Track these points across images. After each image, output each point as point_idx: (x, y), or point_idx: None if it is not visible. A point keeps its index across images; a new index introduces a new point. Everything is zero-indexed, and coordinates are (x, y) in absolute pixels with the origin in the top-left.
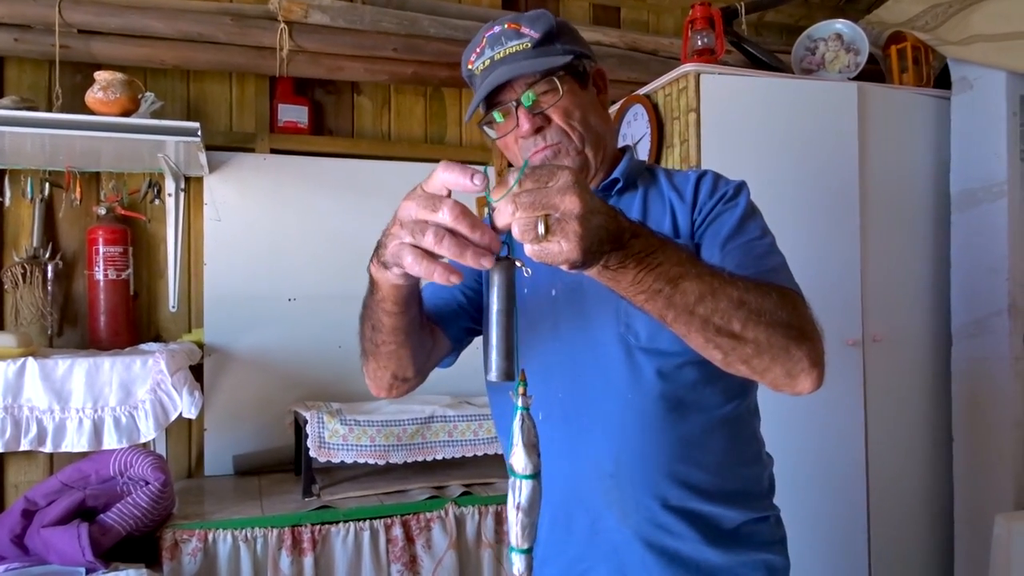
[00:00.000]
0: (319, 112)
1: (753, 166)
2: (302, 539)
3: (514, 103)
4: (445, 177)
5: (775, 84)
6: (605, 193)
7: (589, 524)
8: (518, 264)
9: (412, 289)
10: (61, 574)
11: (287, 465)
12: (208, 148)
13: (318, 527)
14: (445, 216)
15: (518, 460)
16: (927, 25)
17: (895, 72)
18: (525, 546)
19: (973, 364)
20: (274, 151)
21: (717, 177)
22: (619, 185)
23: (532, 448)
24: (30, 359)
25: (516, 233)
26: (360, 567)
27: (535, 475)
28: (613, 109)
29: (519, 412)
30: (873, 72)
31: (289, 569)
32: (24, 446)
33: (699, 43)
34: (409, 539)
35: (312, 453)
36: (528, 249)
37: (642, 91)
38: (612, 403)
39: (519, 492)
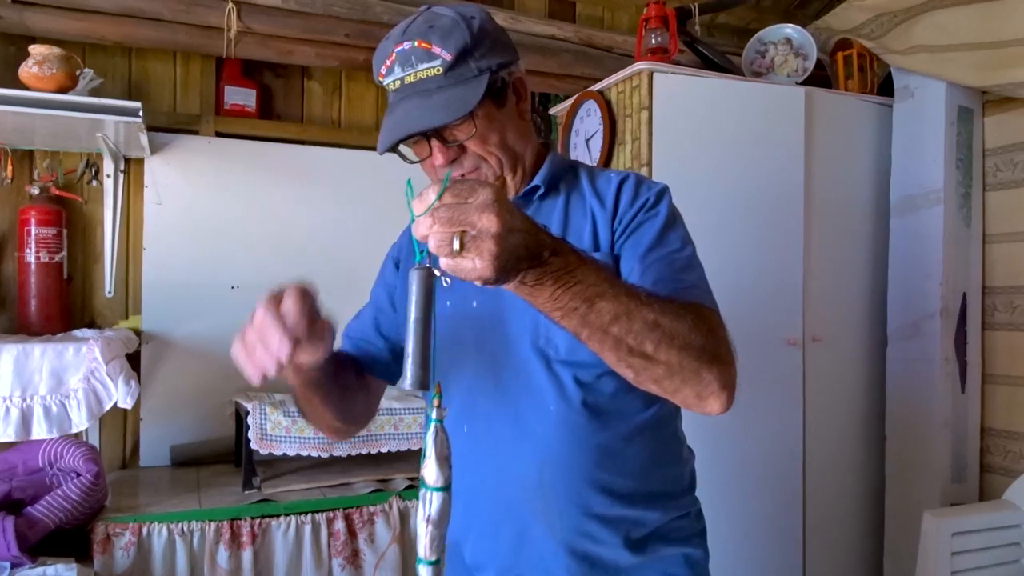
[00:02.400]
0: (267, 96)
1: (702, 165)
2: (241, 533)
3: (427, 134)
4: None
5: (726, 85)
6: (526, 199)
7: (516, 534)
8: (436, 273)
9: (311, 374)
10: None
11: (227, 456)
12: (150, 129)
13: (258, 520)
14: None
15: (430, 472)
16: (872, 33)
17: (841, 78)
18: (433, 558)
19: (907, 365)
20: (219, 134)
21: (639, 182)
22: (540, 191)
23: (444, 460)
24: None
25: (432, 247)
26: (301, 561)
27: (446, 487)
28: (566, 104)
29: (433, 424)
30: (820, 77)
31: (227, 563)
32: None
33: (653, 42)
34: (352, 533)
35: (253, 445)
36: (443, 263)
37: (596, 87)
38: (534, 415)
39: (430, 504)
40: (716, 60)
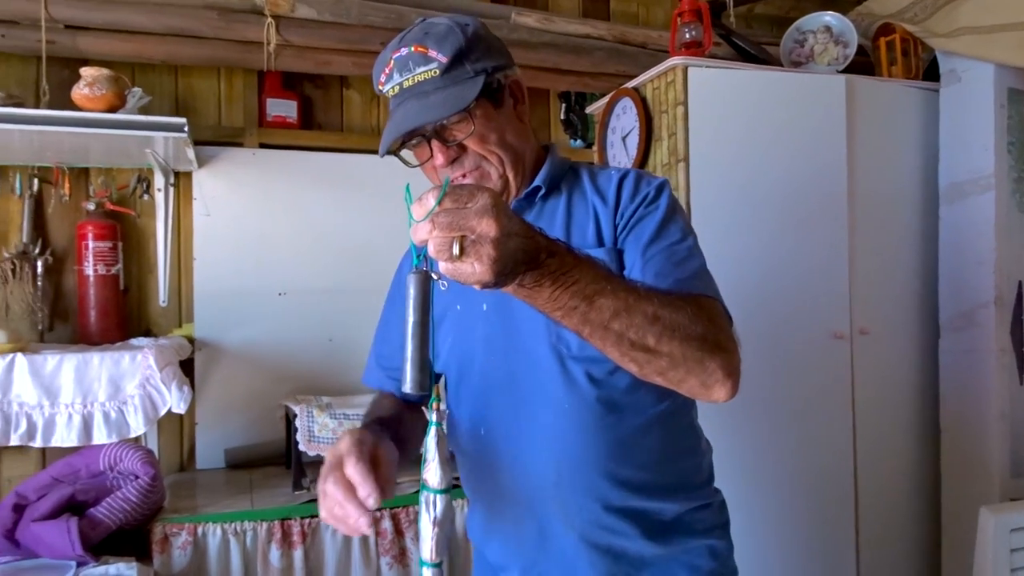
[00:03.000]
0: (308, 106)
1: (740, 159)
2: (292, 532)
3: (426, 135)
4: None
5: (763, 77)
6: (528, 201)
7: (537, 532)
8: (434, 277)
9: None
10: (52, 568)
11: (278, 459)
12: (196, 143)
13: (307, 520)
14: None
15: (433, 475)
16: (916, 17)
17: (884, 64)
18: (439, 560)
19: (960, 356)
20: (263, 146)
21: (639, 178)
22: (542, 192)
23: (446, 463)
24: (19, 355)
25: (431, 251)
26: (349, 560)
27: (448, 489)
28: (602, 103)
29: (433, 427)
30: (862, 64)
31: (279, 562)
32: (14, 441)
33: (687, 36)
34: (398, 532)
35: (301, 447)
36: (442, 267)
37: (631, 84)
38: (549, 412)
39: (435, 507)
40: (752, 52)
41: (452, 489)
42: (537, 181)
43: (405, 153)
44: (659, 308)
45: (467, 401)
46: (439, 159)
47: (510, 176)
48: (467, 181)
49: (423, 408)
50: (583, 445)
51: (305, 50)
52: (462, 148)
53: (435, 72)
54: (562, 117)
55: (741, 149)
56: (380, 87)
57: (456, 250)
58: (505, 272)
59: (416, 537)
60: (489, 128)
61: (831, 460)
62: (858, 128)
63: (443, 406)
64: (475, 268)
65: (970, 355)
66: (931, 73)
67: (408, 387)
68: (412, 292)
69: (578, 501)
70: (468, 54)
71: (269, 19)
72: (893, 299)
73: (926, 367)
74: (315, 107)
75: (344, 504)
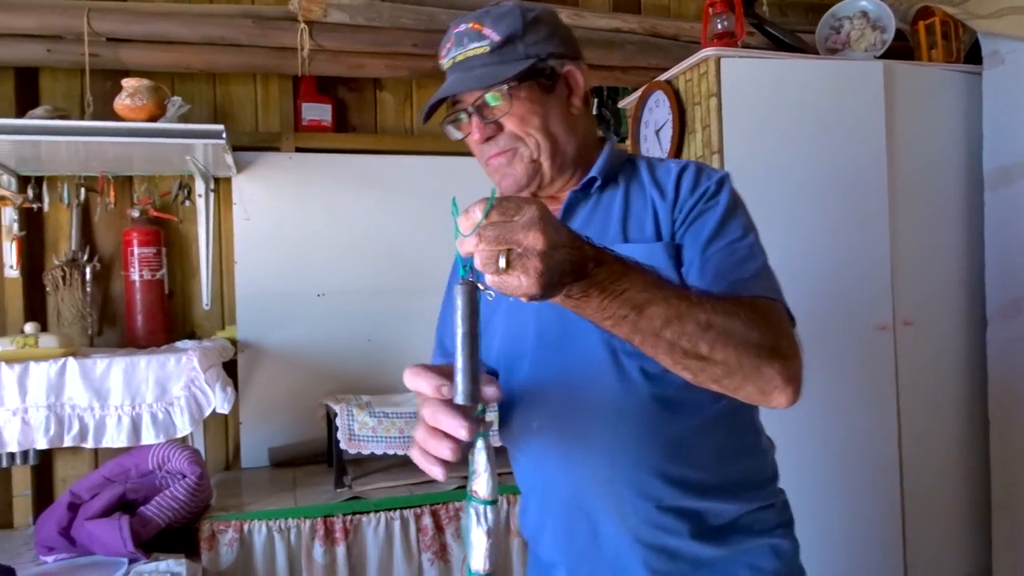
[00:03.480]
0: (342, 109)
1: (776, 149)
2: (334, 529)
3: (470, 109)
4: (410, 384)
5: (797, 65)
6: (584, 192)
7: (589, 530)
8: (481, 287)
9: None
10: (105, 565)
11: (320, 457)
12: (235, 149)
13: (350, 517)
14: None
15: (482, 486)
16: None
17: (923, 48)
18: (489, 570)
19: (1009, 345)
20: (299, 149)
21: (699, 171)
22: (597, 183)
23: (495, 475)
24: (70, 359)
25: (477, 264)
26: (392, 556)
27: (497, 500)
28: (634, 97)
29: (480, 439)
30: (901, 49)
31: (322, 559)
32: (67, 442)
33: (719, 27)
34: (439, 528)
35: (342, 445)
36: (488, 280)
37: (663, 77)
38: (603, 408)
39: (486, 519)
40: (787, 40)
41: (497, 501)
42: (593, 172)
43: (450, 129)
44: (712, 315)
45: (519, 394)
46: (475, 134)
47: (544, 162)
48: (500, 160)
49: None
50: (637, 443)
51: (338, 54)
52: (500, 128)
53: (485, 49)
54: (595, 112)
55: (777, 140)
56: (440, 60)
57: (502, 263)
58: (552, 284)
59: (458, 534)
60: (531, 111)
61: (876, 453)
62: (898, 115)
63: (489, 417)
64: (522, 281)
65: (1019, 343)
66: (973, 56)
67: (460, 398)
68: (460, 303)
69: (631, 500)
70: (523, 36)
71: (303, 25)
72: (937, 288)
73: (973, 357)
74: (349, 110)
75: (446, 415)
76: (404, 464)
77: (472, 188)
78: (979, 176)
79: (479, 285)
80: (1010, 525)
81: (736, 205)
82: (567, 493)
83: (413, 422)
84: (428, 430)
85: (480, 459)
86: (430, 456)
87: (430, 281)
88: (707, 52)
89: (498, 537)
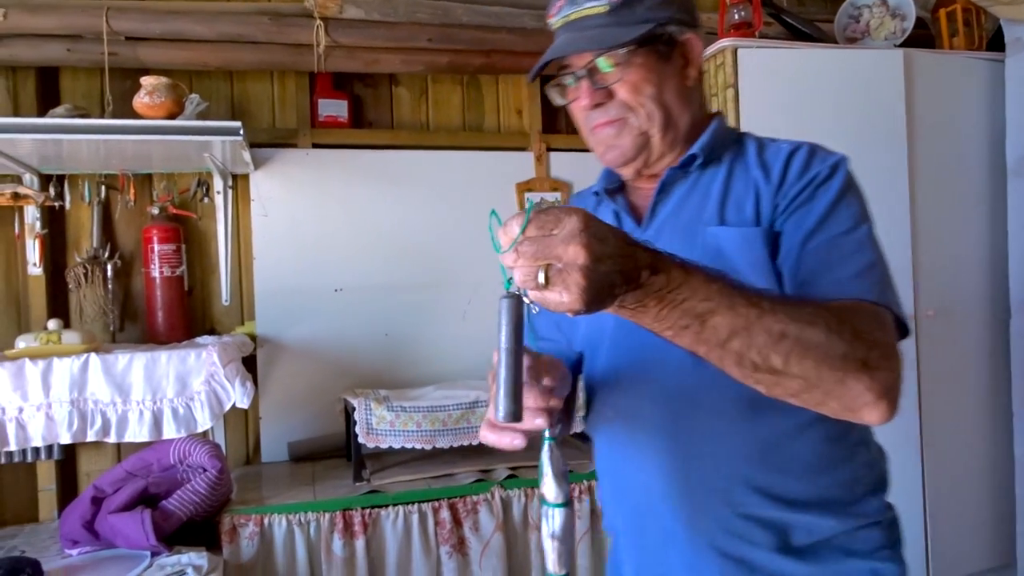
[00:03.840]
0: (358, 105)
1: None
2: (353, 523)
3: (580, 73)
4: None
5: (816, 55)
6: (683, 170)
7: (660, 530)
8: (526, 301)
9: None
10: (128, 557)
11: (339, 451)
12: (252, 145)
13: (368, 511)
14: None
15: (549, 490)
16: None
17: (945, 36)
18: (563, 572)
19: None
20: (316, 145)
21: (812, 153)
22: (698, 161)
23: (562, 477)
24: (92, 355)
25: (517, 280)
26: (410, 549)
27: (567, 503)
28: None
29: (547, 442)
30: (922, 37)
31: (342, 552)
32: (90, 437)
33: (736, 17)
34: (457, 522)
35: (361, 439)
36: (531, 295)
37: None
38: (681, 405)
39: (553, 520)
40: (805, 30)
41: (570, 503)
42: (694, 149)
43: (552, 92)
44: (787, 323)
45: (598, 378)
46: (583, 100)
47: (655, 135)
48: (608, 131)
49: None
50: (717, 442)
51: (354, 50)
52: (610, 95)
53: (604, 8)
54: None
55: (795, 130)
56: (550, 19)
57: (542, 279)
58: (598, 298)
59: (476, 528)
60: (646, 80)
61: (897, 446)
62: (919, 104)
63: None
64: (563, 297)
65: None
66: (996, 43)
67: (501, 416)
68: (504, 318)
69: (707, 503)
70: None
71: (318, 21)
72: (960, 280)
73: (996, 348)
74: (365, 106)
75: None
76: (422, 458)
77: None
78: (1002, 165)
79: (524, 298)
80: None
81: (849, 193)
82: (639, 489)
83: (430, 416)
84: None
85: (546, 461)
86: (509, 436)
87: (447, 276)
88: (724, 43)
89: (570, 541)
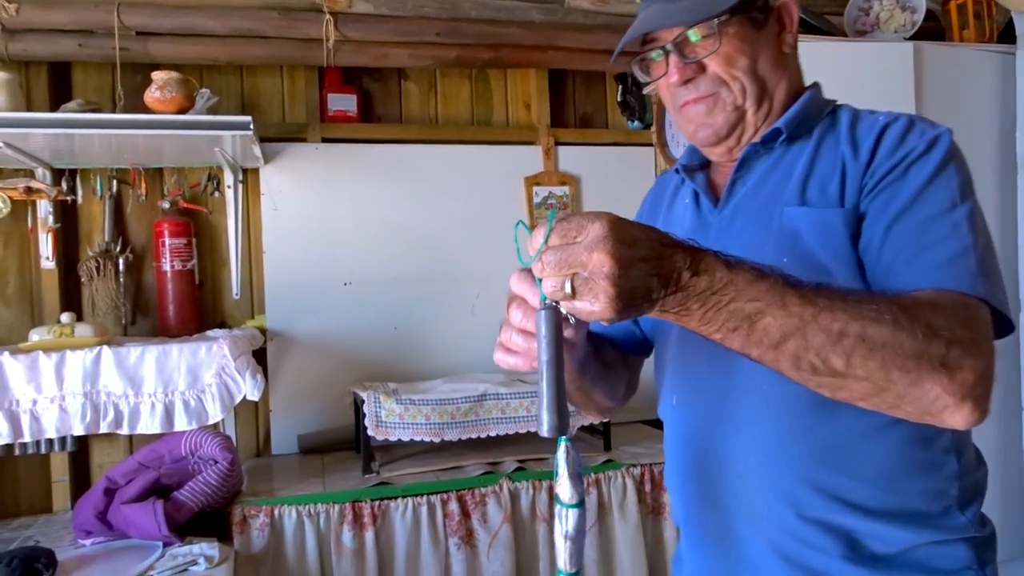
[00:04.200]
0: (367, 100)
1: None
2: (363, 514)
3: (668, 47)
4: (515, 287)
5: (825, 48)
6: (766, 146)
7: (718, 527)
8: (564, 311)
9: (579, 354)
10: (141, 548)
11: (349, 443)
12: (262, 140)
13: (377, 503)
14: (512, 318)
15: (564, 490)
16: None
17: (955, 29)
18: (573, 571)
19: None
20: (325, 140)
21: (909, 126)
22: (783, 136)
23: (576, 478)
24: (105, 347)
25: (546, 291)
26: (419, 541)
27: (580, 504)
28: None
29: (563, 443)
30: (932, 30)
31: (351, 543)
32: (103, 429)
33: None
34: (465, 514)
35: (370, 432)
36: (562, 305)
37: None
38: (747, 395)
39: (566, 521)
40: (814, 22)
41: (583, 503)
42: (779, 123)
43: (637, 70)
44: (848, 321)
45: (665, 366)
46: (673, 76)
47: (749, 109)
48: (698, 108)
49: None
50: (781, 440)
51: (363, 44)
52: (701, 69)
53: None
54: (619, 99)
55: None
56: None
57: (568, 289)
58: (631, 305)
59: (484, 520)
60: (740, 51)
61: None
62: (929, 97)
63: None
64: (593, 307)
65: None
66: (1007, 36)
67: (546, 431)
68: (543, 329)
69: (768, 503)
70: None
71: (328, 16)
72: None
73: (1005, 344)
74: (374, 100)
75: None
76: (431, 450)
77: (495, 177)
78: (1012, 158)
79: (562, 309)
80: None
81: (947, 168)
82: (700, 482)
83: (439, 409)
84: (517, 334)
85: (561, 462)
86: (526, 357)
87: (455, 270)
88: None
89: (582, 541)
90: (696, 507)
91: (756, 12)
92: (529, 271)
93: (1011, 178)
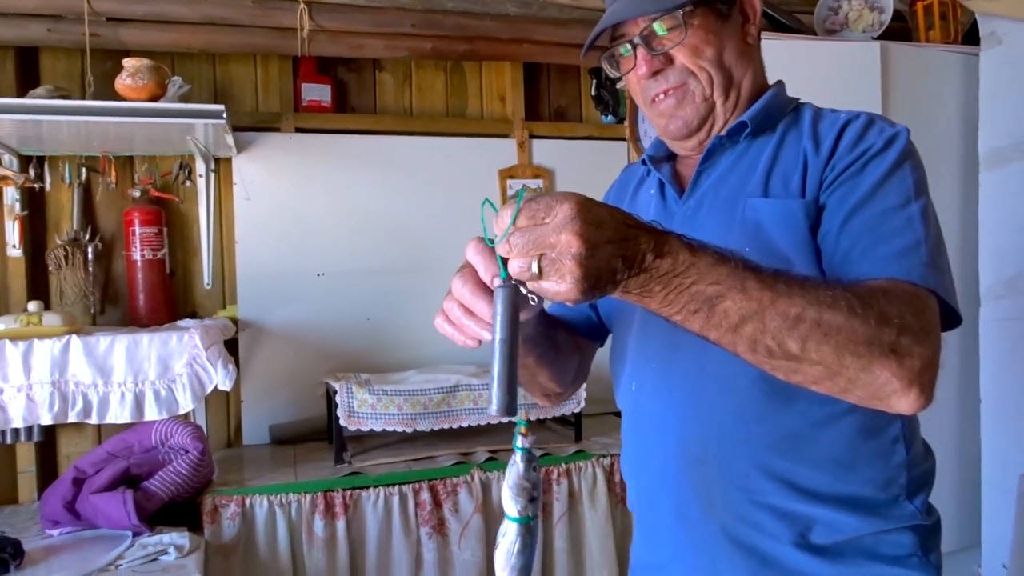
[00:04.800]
0: (342, 90)
1: None
2: (334, 504)
3: (635, 40)
4: (470, 254)
5: (795, 46)
6: (731, 139)
7: (675, 509)
8: (523, 290)
9: (526, 332)
10: (110, 537)
11: (321, 434)
12: (235, 129)
13: (349, 492)
14: (454, 286)
15: (508, 504)
16: None
17: (921, 29)
18: None
19: (1001, 325)
20: (299, 130)
21: (869, 124)
22: (748, 129)
23: (524, 491)
24: (74, 336)
25: (512, 272)
26: (391, 530)
27: (527, 519)
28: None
29: (518, 452)
30: (899, 30)
31: (323, 532)
32: (71, 418)
33: None
34: (437, 503)
35: (342, 422)
36: (528, 285)
37: None
38: (706, 382)
39: (515, 535)
40: (785, 21)
41: (527, 521)
42: (744, 117)
43: (607, 65)
44: (805, 307)
45: (625, 354)
46: (642, 68)
47: (717, 100)
48: (668, 101)
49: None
50: (737, 426)
51: (338, 34)
52: (669, 60)
53: None
54: (593, 93)
55: None
56: None
57: (535, 269)
58: (596, 286)
59: (456, 509)
60: (706, 41)
61: None
62: (894, 95)
63: (529, 432)
64: (559, 287)
65: (1011, 323)
66: (971, 37)
67: (495, 410)
68: (499, 307)
69: (723, 488)
70: None
71: (302, 5)
72: None
73: (966, 337)
74: (349, 91)
75: (475, 295)
76: (403, 441)
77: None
78: (975, 157)
79: (520, 288)
80: (999, 501)
81: (904, 166)
82: (657, 468)
83: (411, 399)
84: (458, 305)
85: (510, 473)
86: (465, 330)
87: (429, 261)
88: None
89: (529, 556)
90: (652, 493)
91: (720, 3)
92: (489, 244)
93: (973, 176)
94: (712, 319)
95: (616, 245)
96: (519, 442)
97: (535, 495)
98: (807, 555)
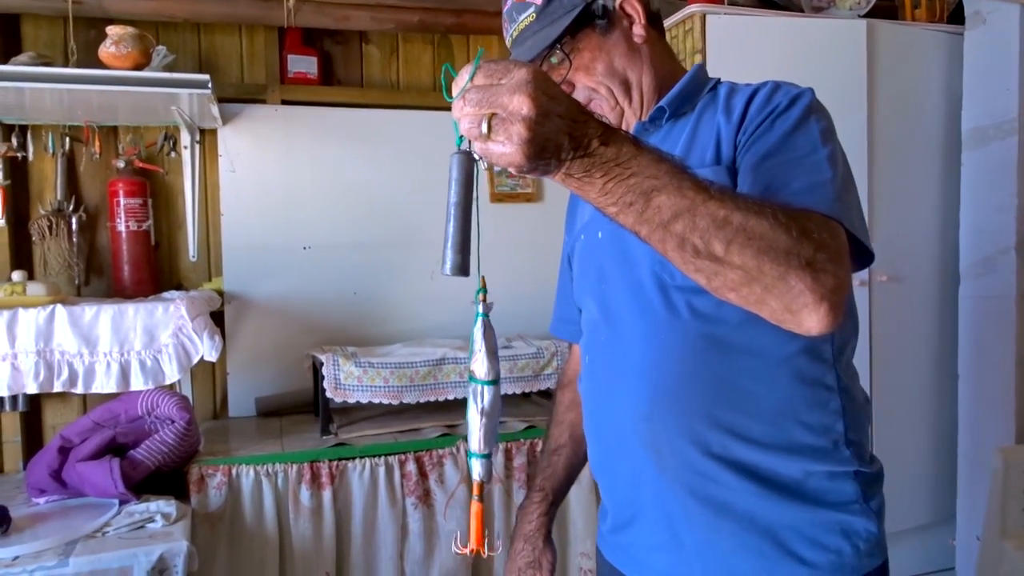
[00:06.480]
0: (328, 62)
1: None
2: (321, 474)
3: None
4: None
5: (783, 23)
6: (653, 124)
7: (630, 468)
8: (476, 157)
9: None
10: (96, 505)
11: (307, 406)
12: (220, 100)
13: (335, 463)
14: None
15: (480, 366)
16: None
17: (908, 7)
18: (486, 451)
19: (980, 302)
20: (285, 102)
21: (775, 89)
22: (667, 114)
23: (493, 354)
24: (59, 306)
25: (462, 129)
26: (376, 500)
27: (496, 381)
28: None
29: (479, 319)
30: (886, 8)
31: (309, 502)
32: (57, 387)
33: None
34: (422, 474)
35: (328, 394)
36: (476, 147)
37: None
38: (648, 344)
39: (482, 398)
40: None
41: (499, 381)
42: (662, 103)
43: None
44: (732, 211)
45: (586, 328)
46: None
47: (624, 106)
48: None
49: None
50: (680, 383)
51: (324, 6)
52: (572, 84)
53: (532, 17)
54: None
55: None
56: (507, 45)
57: (484, 128)
58: (542, 156)
59: (441, 480)
60: (593, 59)
61: None
62: (879, 73)
63: (489, 298)
64: (505, 148)
65: (989, 301)
66: (956, 16)
67: (448, 269)
68: (454, 173)
69: (672, 441)
70: None
71: None
72: (914, 245)
73: (946, 314)
74: (335, 63)
75: None
76: (389, 413)
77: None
78: (957, 136)
79: (474, 155)
80: (974, 474)
81: (809, 119)
82: (611, 428)
83: (398, 372)
84: None
85: (478, 337)
86: None
87: (415, 234)
88: (692, 8)
89: (496, 419)
90: (608, 455)
91: (598, 20)
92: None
93: (955, 155)
94: (646, 213)
95: (566, 122)
96: (480, 308)
97: (499, 357)
98: (759, 501)
